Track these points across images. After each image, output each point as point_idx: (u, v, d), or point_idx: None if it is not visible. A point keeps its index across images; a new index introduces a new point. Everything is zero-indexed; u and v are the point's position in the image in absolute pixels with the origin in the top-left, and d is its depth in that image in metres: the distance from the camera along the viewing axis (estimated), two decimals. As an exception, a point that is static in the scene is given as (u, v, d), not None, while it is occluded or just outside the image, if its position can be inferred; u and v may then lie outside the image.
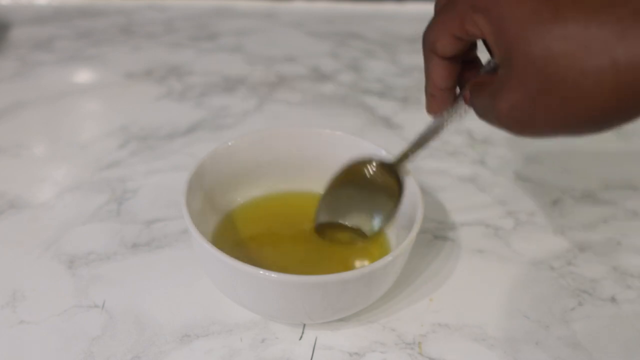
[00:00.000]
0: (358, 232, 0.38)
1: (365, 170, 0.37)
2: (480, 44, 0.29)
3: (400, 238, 0.35)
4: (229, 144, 0.38)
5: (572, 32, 0.22)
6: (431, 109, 0.32)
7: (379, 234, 0.38)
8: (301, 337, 0.34)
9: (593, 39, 0.21)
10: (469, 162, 0.50)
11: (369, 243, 0.38)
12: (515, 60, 0.23)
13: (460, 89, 0.31)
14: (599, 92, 0.21)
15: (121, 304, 0.35)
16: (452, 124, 0.32)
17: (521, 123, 0.24)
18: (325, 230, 0.38)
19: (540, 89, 0.23)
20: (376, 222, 0.37)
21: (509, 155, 0.51)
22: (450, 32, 0.27)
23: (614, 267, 0.40)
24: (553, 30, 0.22)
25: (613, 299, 0.37)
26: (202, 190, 0.36)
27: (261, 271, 0.28)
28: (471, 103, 0.28)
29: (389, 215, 0.37)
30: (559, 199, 0.46)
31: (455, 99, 0.31)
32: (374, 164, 0.37)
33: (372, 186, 0.37)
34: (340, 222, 0.38)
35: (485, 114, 0.27)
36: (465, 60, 0.30)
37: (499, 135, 0.54)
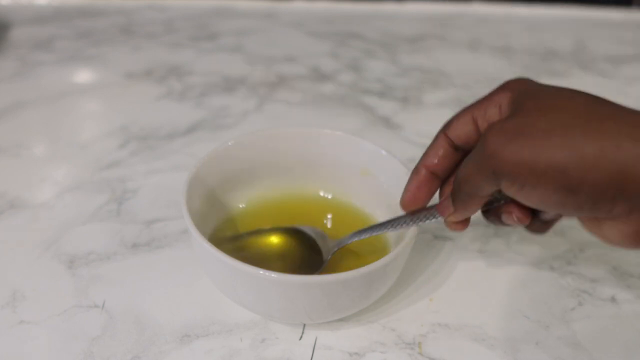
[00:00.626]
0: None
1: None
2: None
3: (400, 238, 0.35)
4: (229, 144, 0.38)
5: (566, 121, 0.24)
6: (407, 191, 0.33)
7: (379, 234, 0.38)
8: (301, 337, 0.34)
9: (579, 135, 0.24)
10: (469, 162, 0.50)
11: (369, 243, 0.38)
12: (525, 105, 0.26)
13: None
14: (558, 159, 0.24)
15: (121, 304, 0.35)
16: (410, 226, 0.33)
17: (504, 136, 0.25)
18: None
19: (534, 120, 0.25)
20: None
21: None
22: (470, 113, 0.30)
23: (614, 267, 0.40)
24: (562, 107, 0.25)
25: (613, 299, 0.37)
26: (202, 190, 0.36)
27: (261, 271, 0.28)
28: (461, 166, 0.29)
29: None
30: (559, 199, 0.46)
31: (431, 195, 0.33)
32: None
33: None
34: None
35: (472, 160, 0.28)
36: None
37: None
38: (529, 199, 0.26)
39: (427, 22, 0.81)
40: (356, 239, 0.35)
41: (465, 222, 0.32)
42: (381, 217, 0.39)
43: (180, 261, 0.38)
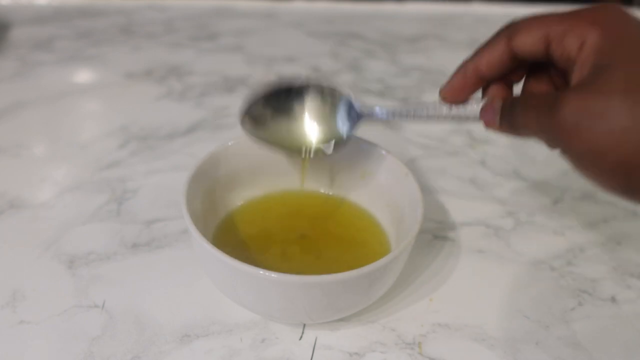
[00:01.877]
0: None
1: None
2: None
3: (400, 238, 0.35)
4: (229, 144, 0.38)
5: None
6: (449, 85, 0.31)
7: (379, 234, 0.38)
8: (301, 337, 0.34)
9: None
10: (469, 162, 0.50)
11: (369, 243, 0.38)
12: (614, 69, 0.23)
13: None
14: None
15: (121, 304, 0.35)
16: (445, 121, 0.32)
17: (582, 129, 0.24)
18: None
19: (619, 103, 0.23)
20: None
21: (509, 155, 0.51)
22: (545, 31, 0.27)
23: (614, 267, 0.40)
24: None
25: (613, 299, 0.37)
26: (202, 190, 0.36)
27: (261, 271, 0.28)
28: (525, 109, 0.27)
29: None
30: (559, 199, 0.46)
31: (473, 93, 0.31)
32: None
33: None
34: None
35: (537, 113, 0.26)
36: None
37: (499, 135, 0.54)
38: (580, 171, 0.25)
39: (427, 22, 0.81)
40: (387, 118, 0.34)
41: None
42: (382, 216, 0.39)
43: (180, 261, 0.38)
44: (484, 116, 0.30)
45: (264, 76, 0.64)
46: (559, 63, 0.27)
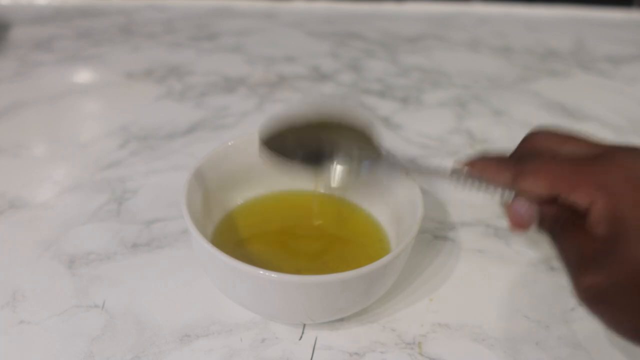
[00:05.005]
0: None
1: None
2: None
3: (400, 238, 0.35)
4: (229, 144, 0.38)
5: None
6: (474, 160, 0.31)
7: (379, 234, 0.38)
8: (301, 337, 0.34)
9: None
10: (469, 162, 0.50)
11: (369, 243, 0.38)
12: (627, 241, 0.23)
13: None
14: None
15: (121, 304, 0.35)
16: (456, 183, 0.31)
17: (599, 300, 0.24)
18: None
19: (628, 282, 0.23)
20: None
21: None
22: (552, 184, 0.26)
23: (614, 267, 0.40)
24: None
25: (613, 299, 0.37)
26: (202, 190, 0.36)
27: (261, 271, 0.28)
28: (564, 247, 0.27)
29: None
30: (559, 199, 0.46)
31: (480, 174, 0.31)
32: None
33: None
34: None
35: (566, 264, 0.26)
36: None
37: (499, 135, 0.54)
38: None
39: (427, 22, 0.81)
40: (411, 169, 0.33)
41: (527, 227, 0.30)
42: (382, 216, 0.39)
43: (180, 261, 0.38)
44: (514, 211, 0.29)
45: (264, 76, 0.64)
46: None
